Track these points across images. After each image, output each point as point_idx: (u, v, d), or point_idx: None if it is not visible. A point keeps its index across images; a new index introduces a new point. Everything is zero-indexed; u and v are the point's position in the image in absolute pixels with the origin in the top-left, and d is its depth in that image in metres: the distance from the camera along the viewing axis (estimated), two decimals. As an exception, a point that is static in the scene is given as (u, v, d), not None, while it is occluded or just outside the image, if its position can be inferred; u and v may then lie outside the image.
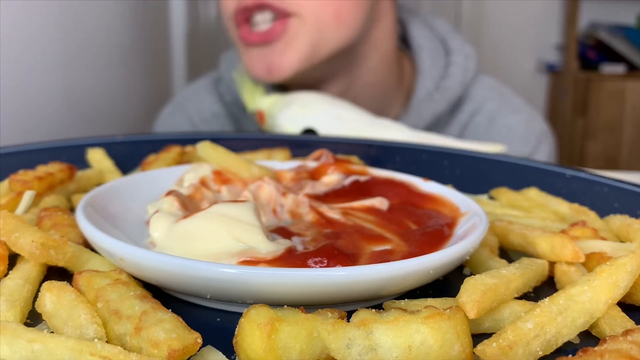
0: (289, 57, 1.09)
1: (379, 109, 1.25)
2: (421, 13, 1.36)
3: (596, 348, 0.35)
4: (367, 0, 1.13)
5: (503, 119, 1.26)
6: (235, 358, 0.36)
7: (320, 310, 0.38)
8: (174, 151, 0.75)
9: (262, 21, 1.08)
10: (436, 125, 1.26)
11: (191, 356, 0.36)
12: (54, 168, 0.64)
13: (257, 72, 1.11)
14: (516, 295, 0.44)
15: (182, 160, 0.75)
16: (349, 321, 0.36)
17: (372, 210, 0.58)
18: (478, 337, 0.38)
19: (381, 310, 0.38)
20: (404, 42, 1.33)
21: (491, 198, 0.71)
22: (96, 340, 0.34)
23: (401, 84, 1.28)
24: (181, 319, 0.37)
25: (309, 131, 1.28)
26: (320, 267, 0.45)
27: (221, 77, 1.34)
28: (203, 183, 0.61)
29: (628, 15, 3.82)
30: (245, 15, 1.08)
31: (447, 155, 0.87)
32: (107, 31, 1.80)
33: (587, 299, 0.40)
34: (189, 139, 0.86)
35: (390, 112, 1.27)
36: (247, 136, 1.01)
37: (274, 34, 1.07)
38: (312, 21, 1.08)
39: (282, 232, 0.53)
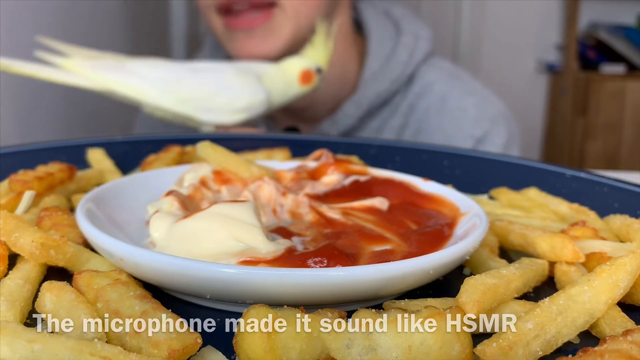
0: (270, 44, 1.15)
1: (336, 92, 1.28)
2: (378, 4, 1.38)
3: (596, 348, 0.35)
4: None
5: (455, 100, 1.25)
6: (235, 358, 0.36)
7: (320, 310, 0.38)
8: (174, 151, 0.75)
9: (241, 8, 1.14)
10: (383, 106, 1.27)
11: (191, 356, 0.36)
12: (54, 168, 0.64)
13: (240, 53, 1.17)
14: (516, 295, 0.44)
15: (182, 160, 0.75)
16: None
17: (372, 210, 0.58)
18: (478, 337, 0.38)
19: (381, 310, 0.38)
20: (359, 28, 1.35)
21: (491, 198, 0.71)
22: (96, 340, 0.34)
23: (355, 67, 1.30)
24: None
25: (292, 129, 1.28)
26: (320, 267, 0.45)
27: None
28: (203, 183, 0.61)
29: (628, 15, 3.82)
30: (227, 5, 1.14)
31: (447, 155, 0.87)
32: (107, 31, 1.80)
33: (587, 299, 0.40)
34: (189, 139, 0.86)
35: (344, 94, 1.29)
36: (247, 136, 1.01)
37: (258, 22, 1.14)
38: (292, 12, 1.14)
39: (282, 232, 0.53)
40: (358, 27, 1.34)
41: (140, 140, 0.90)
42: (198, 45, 2.81)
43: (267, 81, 1.02)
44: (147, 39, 2.23)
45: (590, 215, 0.62)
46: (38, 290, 0.42)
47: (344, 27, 1.26)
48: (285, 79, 1.03)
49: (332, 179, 0.64)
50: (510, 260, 0.53)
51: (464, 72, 1.35)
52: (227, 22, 1.16)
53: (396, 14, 1.33)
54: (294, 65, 1.04)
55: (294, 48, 1.19)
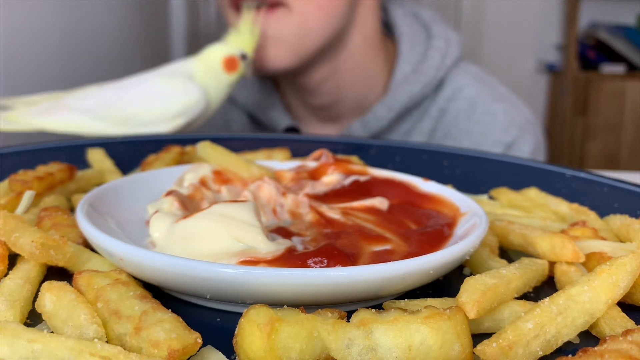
0: (276, 51, 1.12)
1: (363, 94, 1.27)
2: (406, 4, 1.36)
3: (596, 348, 0.35)
4: None
5: (484, 106, 1.24)
6: (235, 358, 0.36)
7: (320, 310, 0.38)
8: (174, 151, 0.75)
9: (249, 7, 1.11)
10: (414, 109, 1.26)
11: (191, 356, 0.36)
12: (54, 168, 0.64)
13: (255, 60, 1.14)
14: (516, 295, 0.44)
15: (182, 160, 0.75)
16: (349, 321, 0.36)
17: (372, 210, 0.58)
18: (478, 337, 0.38)
19: (381, 310, 0.38)
20: (388, 30, 1.33)
21: (491, 198, 0.71)
22: (96, 340, 0.34)
23: (384, 68, 1.29)
24: (181, 319, 0.37)
25: (292, 129, 1.28)
26: (320, 267, 0.45)
27: None
28: (203, 183, 0.61)
29: (628, 15, 3.82)
30: (236, 3, 1.11)
31: (447, 155, 0.87)
32: (107, 31, 1.80)
33: (587, 299, 0.40)
34: (189, 139, 0.86)
35: (373, 95, 1.28)
36: (247, 136, 1.01)
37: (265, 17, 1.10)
38: (297, 13, 1.10)
39: (282, 232, 0.53)
40: (387, 28, 1.32)
41: (140, 140, 0.90)
42: (198, 45, 2.81)
43: (199, 77, 0.99)
44: (147, 39, 2.23)
45: (590, 215, 0.62)
46: (38, 290, 0.42)
47: (369, 30, 1.23)
48: (211, 70, 1.00)
49: (332, 179, 0.64)
50: (510, 260, 0.53)
51: (492, 77, 1.33)
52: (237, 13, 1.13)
53: (425, 17, 1.31)
54: (215, 53, 1.01)
55: (301, 68, 1.17)
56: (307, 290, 0.41)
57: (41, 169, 0.63)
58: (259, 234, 0.48)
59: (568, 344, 0.40)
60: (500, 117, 1.23)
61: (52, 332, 0.37)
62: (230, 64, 1.02)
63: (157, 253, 0.44)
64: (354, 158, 0.77)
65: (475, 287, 0.40)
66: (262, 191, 0.60)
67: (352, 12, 1.18)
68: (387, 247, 0.51)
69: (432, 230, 0.53)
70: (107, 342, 0.37)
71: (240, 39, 1.03)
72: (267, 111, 1.31)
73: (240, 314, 0.36)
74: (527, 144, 1.23)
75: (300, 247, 0.50)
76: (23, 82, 1.36)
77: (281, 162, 0.69)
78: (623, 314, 0.42)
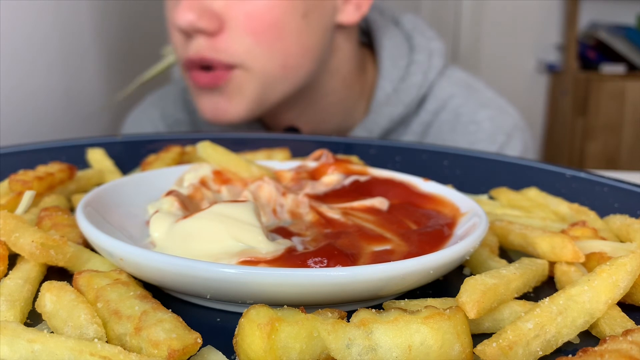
0: (234, 105, 1.07)
1: (342, 120, 1.23)
2: (388, 11, 1.31)
3: (596, 348, 0.35)
4: (319, 44, 1.09)
5: (469, 115, 1.21)
6: (235, 358, 0.36)
7: (320, 310, 0.38)
8: (174, 151, 0.75)
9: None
10: (395, 127, 1.22)
11: (191, 356, 0.36)
12: (54, 168, 0.64)
13: (206, 115, 1.10)
14: (516, 295, 0.44)
15: (182, 160, 0.75)
16: (349, 321, 0.36)
17: (372, 210, 0.58)
18: (478, 337, 0.38)
19: (381, 310, 0.38)
20: (367, 37, 1.29)
21: (491, 198, 0.71)
22: (96, 340, 0.34)
23: (363, 91, 1.25)
24: (181, 319, 0.37)
25: (292, 129, 1.27)
26: (320, 267, 0.45)
27: (188, 85, 1.33)
28: (203, 183, 0.61)
29: (628, 15, 3.82)
30: (191, 65, 1.07)
31: (447, 155, 0.87)
32: (106, 31, 1.80)
33: (587, 299, 0.40)
34: (189, 139, 0.86)
35: (353, 119, 1.24)
36: (247, 136, 1.01)
37: (220, 79, 1.06)
38: (258, 73, 1.05)
39: (282, 232, 0.53)
40: (366, 36, 1.28)
41: (140, 140, 0.90)
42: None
43: None
44: (147, 39, 2.23)
45: (590, 215, 0.62)
46: (38, 290, 0.42)
47: (344, 72, 1.18)
48: None
49: (332, 179, 0.64)
50: (510, 260, 0.53)
51: (477, 81, 1.30)
52: (192, 75, 1.08)
53: (407, 25, 1.26)
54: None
55: (274, 110, 1.12)
56: (307, 290, 0.41)
57: (41, 169, 0.63)
58: (259, 234, 0.48)
59: (568, 344, 0.40)
60: (486, 124, 1.20)
61: (52, 332, 0.37)
62: None
63: (157, 253, 0.44)
64: (354, 158, 0.77)
65: (475, 287, 0.40)
66: (262, 191, 0.60)
67: (322, 64, 1.13)
68: (387, 247, 0.51)
69: (432, 230, 0.53)
70: (107, 342, 0.37)
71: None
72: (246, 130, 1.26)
73: (240, 314, 0.36)
74: (513, 150, 1.21)
75: (300, 247, 0.50)
76: (23, 82, 1.36)
77: (281, 162, 0.69)
78: (623, 314, 0.42)
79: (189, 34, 1.03)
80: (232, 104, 1.07)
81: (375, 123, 1.19)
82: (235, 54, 1.03)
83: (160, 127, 1.33)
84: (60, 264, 0.47)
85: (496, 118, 1.22)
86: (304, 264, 0.45)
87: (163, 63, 1.30)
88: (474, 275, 0.42)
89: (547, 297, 0.40)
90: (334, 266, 0.45)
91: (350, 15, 1.12)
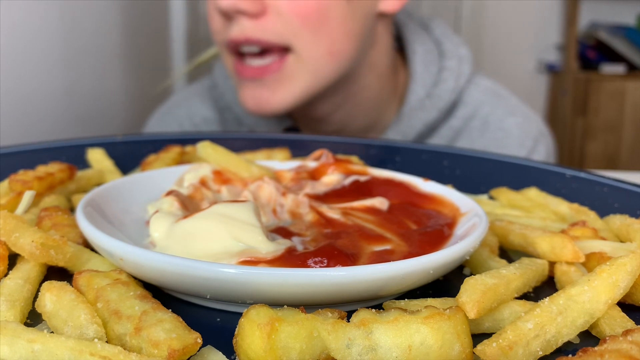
0: (280, 95, 1.07)
1: (373, 119, 1.24)
2: (416, 15, 1.33)
3: (596, 348, 0.35)
4: (362, 30, 1.10)
5: (498, 122, 1.23)
6: (235, 358, 0.36)
7: (320, 310, 0.38)
8: (174, 151, 0.75)
9: (249, 52, 1.06)
10: (428, 132, 1.24)
11: (191, 356, 0.36)
12: (54, 168, 0.64)
13: (248, 105, 1.09)
14: (516, 295, 0.44)
15: (182, 160, 0.75)
16: (349, 321, 0.36)
17: (372, 210, 0.58)
18: (478, 337, 0.38)
19: (381, 310, 0.38)
20: (398, 42, 1.30)
21: (491, 198, 0.71)
22: (96, 340, 0.34)
23: (395, 92, 1.26)
24: (181, 319, 0.37)
25: (292, 129, 1.27)
26: (320, 267, 0.45)
27: (216, 83, 1.32)
28: (203, 183, 0.61)
29: (628, 15, 3.83)
30: (235, 47, 1.06)
31: (447, 155, 0.87)
32: (107, 31, 1.80)
33: (587, 299, 0.40)
34: (189, 139, 0.86)
35: (384, 120, 1.26)
36: (247, 136, 1.01)
37: (269, 71, 1.05)
38: (307, 60, 1.05)
39: (282, 232, 0.53)
40: (397, 41, 1.29)
41: (140, 140, 0.90)
42: (198, 45, 2.81)
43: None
44: (147, 40, 2.23)
45: (590, 215, 0.62)
46: (38, 290, 0.42)
47: (381, 68, 1.19)
48: None
49: (332, 179, 0.64)
50: (510, 260, 0.53)
51: (503, 88, 1.31)
52: (236, 66, 1.08)
53: (436, 31, 1.27)
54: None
55: (310, 102, 1.12)
56: (307, 290, 0.41)
57: (41, 169, 0.63)
58: (259, 234, 0.48)
59: (568, 344, 0.40)
60: (515, 131, 1.22)
61: (52, 332, 0.37)
62: None
63: (157, 253, 0.44)
64: (354, 158, 0.77)
65: (475, 287, 0.40)
66: (262, 191, 0.60)
67: (363, 53, 1.14)
68: (387, 247, 0.51)
69: (432, 230, 0.53)
70: (107, 342, 0.37)
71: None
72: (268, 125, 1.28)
73: (240, 314, 0.36)
74: (539, 155, 1.23)
75: (300, 247, 0.50)
76: (23, 82, 1.36)
77: (281, 162, 0.69)
78: (623, 314, 0.42)
79: (229, 16, 1.03)
80: (275, 95, 1.07)
81: (411, 127, 1.21)
82: (282, 33, 1.02)
83: (187, 126, 1.33)
84: (60, 264, 0.47)
85: (523, 124, 1.24)
86: (304, 264, 0.45)
87: (207, 53, 1.29)
88: (474, 275, 0.42)
89: (547, 297, 0.40)
90: (334, 266, 0.45)
91: (391, 3, 1.13)
